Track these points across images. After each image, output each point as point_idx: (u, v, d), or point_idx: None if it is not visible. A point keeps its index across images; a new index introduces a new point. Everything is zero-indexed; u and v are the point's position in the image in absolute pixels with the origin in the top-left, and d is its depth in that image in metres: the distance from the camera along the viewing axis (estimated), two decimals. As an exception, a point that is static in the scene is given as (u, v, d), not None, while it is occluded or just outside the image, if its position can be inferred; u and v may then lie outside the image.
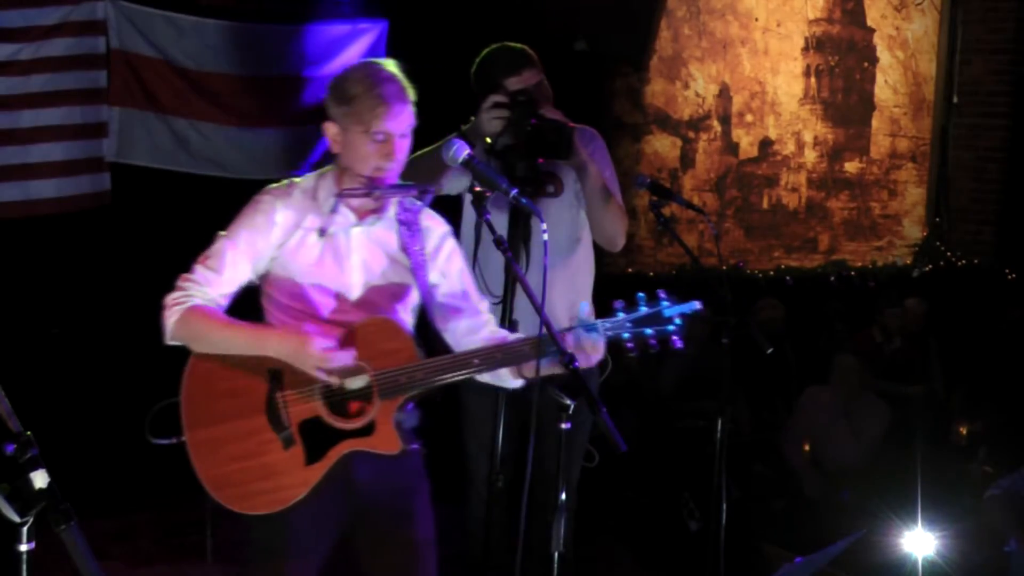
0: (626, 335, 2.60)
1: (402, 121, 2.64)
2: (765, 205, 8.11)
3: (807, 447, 5.91)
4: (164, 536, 5.08)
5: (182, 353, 2.64)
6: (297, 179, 2.75)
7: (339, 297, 2.69)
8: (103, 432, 5.46)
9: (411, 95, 2.66)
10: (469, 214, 3.50)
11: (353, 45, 6.04)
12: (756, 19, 7.86)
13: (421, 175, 3.31)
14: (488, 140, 3.21)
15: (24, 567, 1.90)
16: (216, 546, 4.80)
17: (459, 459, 3.59)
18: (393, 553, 2.75)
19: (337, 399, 2.62)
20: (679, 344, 2.56)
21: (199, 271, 2.66)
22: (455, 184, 3.39)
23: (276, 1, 6.01)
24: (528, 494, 2.63)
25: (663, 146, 7.62)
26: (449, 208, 3.51)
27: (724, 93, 7.82)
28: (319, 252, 2.68)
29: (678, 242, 3.89)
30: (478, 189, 2.75)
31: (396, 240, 2.75)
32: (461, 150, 2.70)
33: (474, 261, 3.35)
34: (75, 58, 5.39)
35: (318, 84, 6.04)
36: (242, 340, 2.61)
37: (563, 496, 2.59)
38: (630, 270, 7.36)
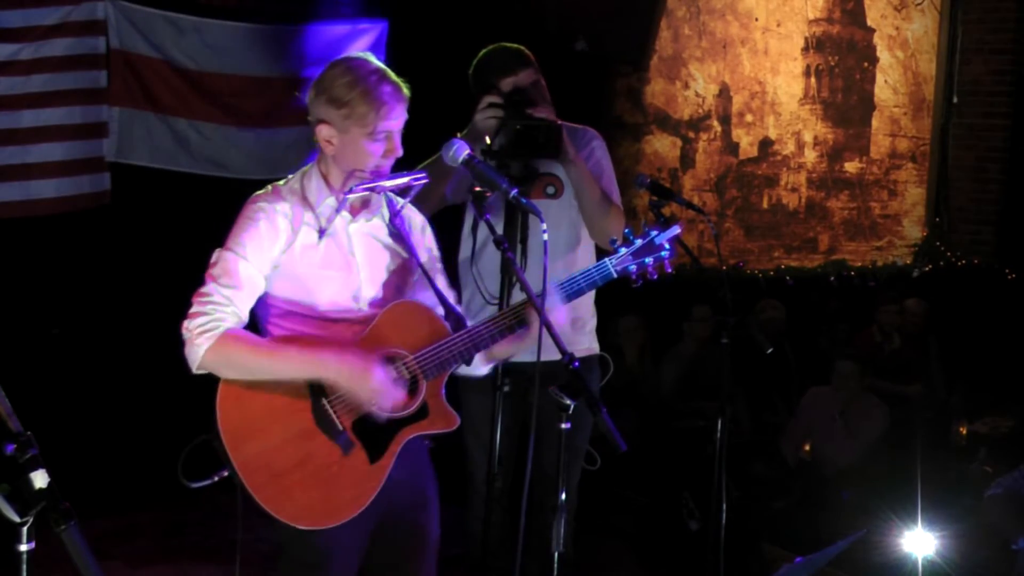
0: (632, 267, 2.82)
1: (401, 116, 2.65)
2: (765, 205, 8.11)
3: (807, 447, 5.91)
4: (164, 536, 5.08)
5: (179, 354, 2.53)
6: (279, 183, 2.70)
7: (350, 296, 2.67)
8: (103, 432, 5.47)
9: (405, 89, 2.65)
10: (469, 216, 3.50)
11: (353, 45, 6.04)
12: (756, 19, 7.86)
13: (433, 180, 3.31)
14: (488, 140, 3.21)
15: (24, 567, 1.90)
16: (216, 546, 4.81)
17: (459, 459, 3.59)
18: (406, 539, 2.77)
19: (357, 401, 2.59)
20: (668, 268, 2.86)
21: (217, 291, 2.53)
22: (460, 192, 3.37)
23: (276, 1, 6.01)
24: (528, 494, 2.62)
25: (663, 146, 7.62)
26: (448, 209, 3.52)
27: (724, 93, 7.82)
28: (322, 254, 2.65)
29: (678, 242, 3.89)
30: (478, 189, 2.75)
31: (387, 231, 2.76)
32: (461, 150, 2.70)
33: (471, 263, 3.36)
34: (75, 58, 5.39)
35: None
36: (293, 366, 2.52)
37: (563, 496, 2.59)
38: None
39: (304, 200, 2.66)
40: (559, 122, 3.26)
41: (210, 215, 2.85)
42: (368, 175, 2.63)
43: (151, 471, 4.08)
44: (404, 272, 2.78)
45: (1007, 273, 8.35)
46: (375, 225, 2.75)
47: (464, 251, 3.51)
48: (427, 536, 2.80)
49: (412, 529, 2.77)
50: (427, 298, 2.75)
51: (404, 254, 2.77)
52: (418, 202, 3.36)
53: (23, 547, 1.89)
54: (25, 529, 1.88)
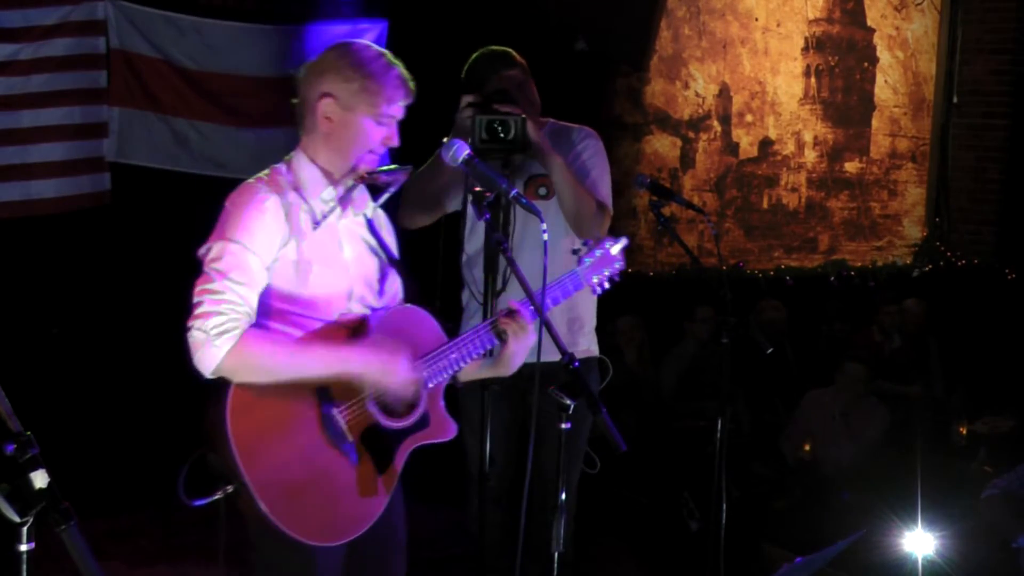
0: (595, 278, 2.81)
1: (403, 108, 2.60)
2: (765, 205, 8.11)
3: (807, 448, 5.91)
4: (164, 536, 5.08)
5: (180, 354, 2.44)
6: (265, 175, 2.55)
7: (344, 295, 2.58)
8: (103, 432, 5.47)
9: (411, 83, 2.60)
10: (468, 218, 3.50)
11: (353, 45, 6.03)
12: (756, 19, 7.86)
13: (425, 188, 3.31)
14: (474, 142, 3.20)
15: (24, 567, 1.90)
16: (216, 546, 4.80)
17: (459, 459, 3.59)
18: (379, 551, 2.70)
19: (385, 400, 2.55)
20: (617, 278, 2.87)
21: (230, 287, 2.37)
22: (457, 200, 3.37)
23: (276, 1, 6.01)
24: (528, 494, 2.62)
25: (663, 146, 7.62)
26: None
27: (724, 93, 7.82)
28: (317, 249, 2.53)
29: (678, 242, 3.90)
30: (478, 189, 2.75)
31: (367, 230, 2.70)
32: (461, 150, 2.69)
33: (469, 265, 3.37)
34: (75, 58, 5.39)
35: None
36: (318, 365, 2.41)
37: (563, 496, 2.59)
38: (630, 270, 7.32)
39: (296, 188, 2.54)
40: (547, 120, 3.26)
41: (210, 215, 2.83)
42: (364, 165, 2.57)
43: (151, 471, 4.08)
44: (379, 272, 2.72)
45: (1007, 273, 8.35)
46: (359, 222, 2.68)
47: (466, 251, 3.50)
48: (396, 537, 2.73)
49: (382, 531, 2.66)
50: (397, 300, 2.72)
51: (380, 253, 2.71)
52: (418, 210, 3.36)
53: (23, 547, 1.89)
54: (25, 529, 1.88)
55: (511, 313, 2.64)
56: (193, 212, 5.58)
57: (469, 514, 3.57)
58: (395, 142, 2.60)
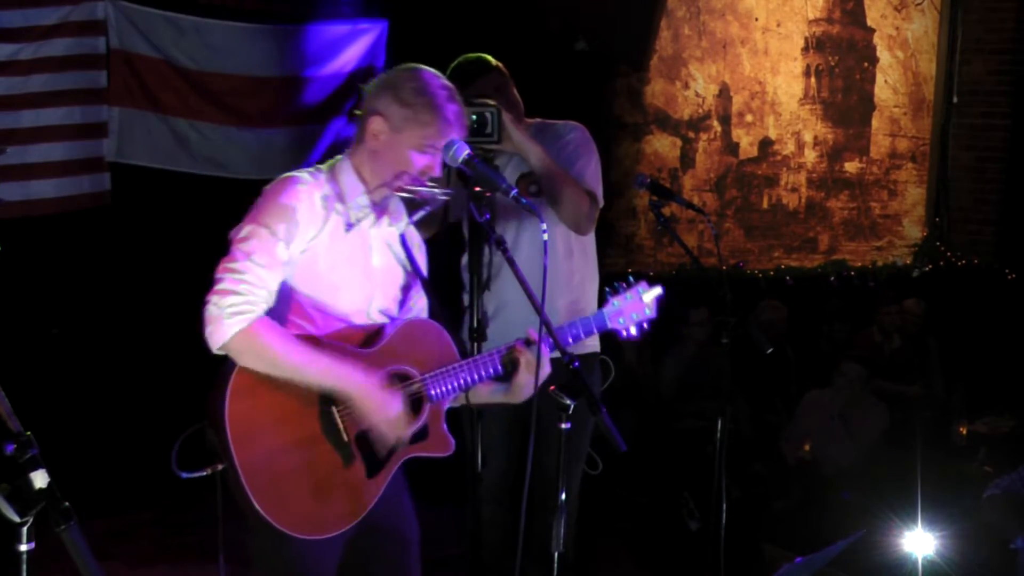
0: (621, 321, 2.78)
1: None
2: (765, 205, 8.11)
3: (807, 448, 5.91)
4: (164, 536, 5.08)
5: (180, 353, 2.52)
6: (307, 171, 2.59)
7: (364, 301, 2.61)
8: (103, 432, 5.47)
9: (467, 119, 2.63)
10: (466, 220, 3.50)
11: (353, 45, 6.05)
12: (756, 19, 7.86)
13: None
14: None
15: (24, 567, 1.90)
16: (216, 546, 4.80)
17: (459, 459, 3.58)
18: (391, 549, 2.73)
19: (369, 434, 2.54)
20: (647, 327, 2.83)
21: (252, 269, 2.40)
22: (457, 209, 3.36)
23: (276, 1, 6.01)
24: (528, 494, 2.62)
25: (663, 146, 7.62)
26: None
27: (724, 93, 7.82)
28: (347, 251, 2.57)
29: (678, 242, 3.89)
30: (478, 189, 2.75)
31: (398, 243, 2.72)
32: (461, 150, 2.68)
33: (461, 267, 3.37)
34: (75, 58, 5.39)
35: (318, 84, 6.05)
36: (318, 374, 2.42)
37: (563, 496, 2.59)
38: (630, 270, 7.36)
39: (337, 192, 2.58)
40: (534, 119, 3.24)
41: (210, 215, 2.83)
42: (408, 177, 2.58)
43: (151, 471, 4.08)
44: (404, 287, 2.74)
45: (1007, 273, 8.34)
46: (392, 233, 2.70)
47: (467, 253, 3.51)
48: (407, 543, 2.75)
49: (392, 537, 2.71)
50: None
51: (408, 268, 2.73)
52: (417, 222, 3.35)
53: (23, 547, 1.89)
54: (25, 529, 1.88)
55: (528, 343, 2.63)
56: (193, 212, 5.62)
57: (469, 514, 3.57)
58: (437, 172, 2.61)
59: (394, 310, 2.69)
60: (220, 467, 2.39)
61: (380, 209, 2.63)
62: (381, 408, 2.47)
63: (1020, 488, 4.14)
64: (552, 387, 2.54)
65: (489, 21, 5.84)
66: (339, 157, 2.66)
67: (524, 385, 2.64)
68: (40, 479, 1.87)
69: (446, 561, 4.69)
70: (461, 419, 3.56)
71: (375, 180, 2.60)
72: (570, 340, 2.73)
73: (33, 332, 5.58)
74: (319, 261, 2.53)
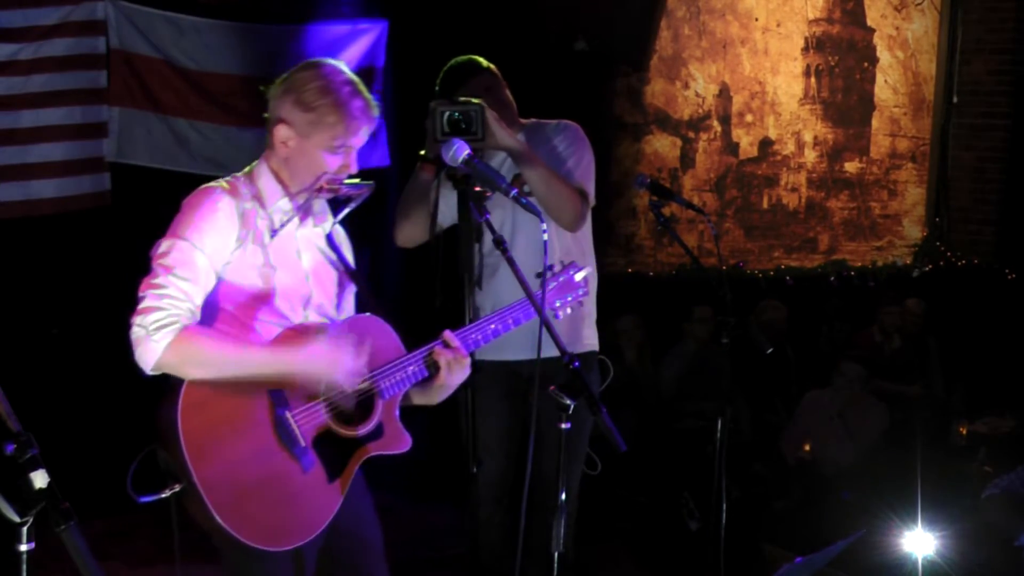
0: (557, 302, 2.85)
1: (365, 135, 2.58)
2: (765, 205, 8.11)
3: (807, 448, 5.91)
4: (164, 536, 5.06)
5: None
6: (225, 180, 2.59)
7: (300, 302, 2.57)
8: (103, 432, 5.46)
9: (375, 109, 2.59)
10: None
11: (353, 45, 6.03)
12: (756, 19, 7.86)
13: (410, 206, 3.31)
14: (436, 135, 3.17)
15: (24, 567, 1.90)
16: (216, 547, 4.80)
17: (458, 459, 3.58)
18: (352, 552, 2.69)
19: (340, 408, 2.54)
20: (580, 306, 2.95)
21: (174, 283, 2.39)
22: (446, 213, 3.35)
23: (276, 1, 6.01)
24: (528, 494, 2.62)
25: (663, 146, 7.62)
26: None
27: (724, 93, 7.82)
28: (273, 255, 2.53)
29: (678, 242, 3.90)
30: (478, 189, 2.75)
31: (325, 243, 2.69)
32: (461, 150, 2.69)
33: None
34: (75, 58, 5.39)
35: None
36: (261, 360, 2.40)
37: (563, 496, 2.59)
38: (630, 270, 7.36)
39: (257, 198, 2.56)
40: (528, 120, 3.23)
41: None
42: (328, 180, 2.55)
43: (150, 471, 4.08)
44: (336, 283, 2.71)
45: (1007, 273, 8.34)
46: (318, 233, 2.68)
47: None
48: (368, 545, 2.72)
49: (352, 539, 2.67)
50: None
51: (339, 266, 2.70)
52: (408, 227, 3.34)
53: (23, 547, 1.90)
54: (25, 529, 1.88)
55: (447, 345, 2.61)
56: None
57: (468, 513, 3.56)
58: (353, 169, 2.59)
59: (330, 309, 2.66)
60: (178, 487, 2.37)
61: (304, 211, 2.60)
62: (332, 364, 2.43)
63: (1020, 488, 4.14)
64: (552, 387, 2.54)
65: (489, 21, 5.84)
66: (256, 162, 2.64)
67: (444, 387, 2.63)
68: (40, 479, 1.87)
69: (446, 561, 4.70)
70: (459, 419, 3.58)
71: (294, 184, 2.58)
72: (512, 324, 2.74)
73: (33, 332, 5.58)
74: (244, 271, 2.49)
